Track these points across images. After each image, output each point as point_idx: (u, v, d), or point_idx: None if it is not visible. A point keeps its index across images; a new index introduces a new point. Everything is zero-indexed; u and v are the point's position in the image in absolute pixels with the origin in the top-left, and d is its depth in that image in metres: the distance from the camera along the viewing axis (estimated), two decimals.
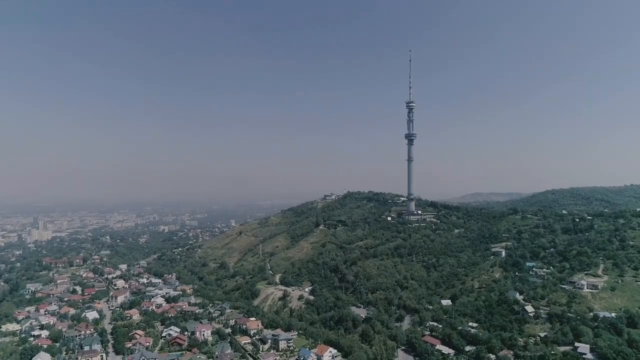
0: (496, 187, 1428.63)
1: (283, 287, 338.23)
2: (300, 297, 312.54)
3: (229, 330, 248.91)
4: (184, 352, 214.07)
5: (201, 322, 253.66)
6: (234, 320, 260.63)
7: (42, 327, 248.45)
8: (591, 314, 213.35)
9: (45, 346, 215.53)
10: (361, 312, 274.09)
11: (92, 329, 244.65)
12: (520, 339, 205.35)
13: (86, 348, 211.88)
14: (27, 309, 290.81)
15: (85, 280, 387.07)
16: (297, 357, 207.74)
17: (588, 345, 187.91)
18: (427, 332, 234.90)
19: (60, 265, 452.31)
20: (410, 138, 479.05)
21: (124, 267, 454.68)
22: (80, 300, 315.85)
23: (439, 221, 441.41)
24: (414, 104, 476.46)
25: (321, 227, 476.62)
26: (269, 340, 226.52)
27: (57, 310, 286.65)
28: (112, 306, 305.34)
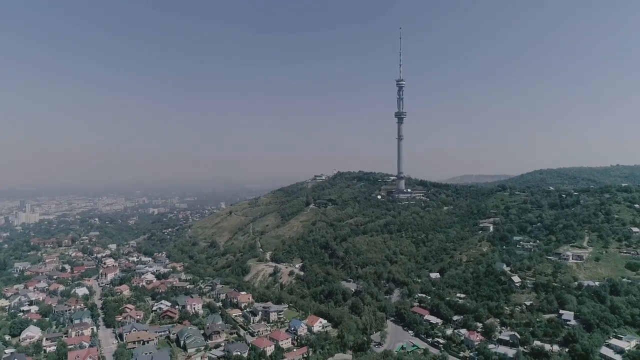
0: (485, 170, 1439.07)
1: (273, 264, 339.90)
2: (291, 273, 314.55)
3: (219, 304, 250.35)
4: (175, 324, 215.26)
5: (192, 297, 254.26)
6: (224, 295, 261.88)
7: (31, 303, 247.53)
8: (576, 283, 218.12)
9: (35, 320, 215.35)
10: (351, 286, 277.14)
11: (82, 304, 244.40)
12: (506, 308, 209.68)
13: (76, 321, 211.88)
14: (15, 286, 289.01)
15: (74, 259, 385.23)
16: (287, 327, 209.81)
17: (572, 312, 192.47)
18: (416, 304, 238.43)
19: (48, 246, 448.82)
20: (400, 116, 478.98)
21: (113, 246, 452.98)
22: (70, 278, 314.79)
23: (428, 199, 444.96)
24: (404, 82, 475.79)
25: (311, 206, 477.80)
26: (260, 312, 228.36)
27: (46, 287, 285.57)
28: (102, 283, 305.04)
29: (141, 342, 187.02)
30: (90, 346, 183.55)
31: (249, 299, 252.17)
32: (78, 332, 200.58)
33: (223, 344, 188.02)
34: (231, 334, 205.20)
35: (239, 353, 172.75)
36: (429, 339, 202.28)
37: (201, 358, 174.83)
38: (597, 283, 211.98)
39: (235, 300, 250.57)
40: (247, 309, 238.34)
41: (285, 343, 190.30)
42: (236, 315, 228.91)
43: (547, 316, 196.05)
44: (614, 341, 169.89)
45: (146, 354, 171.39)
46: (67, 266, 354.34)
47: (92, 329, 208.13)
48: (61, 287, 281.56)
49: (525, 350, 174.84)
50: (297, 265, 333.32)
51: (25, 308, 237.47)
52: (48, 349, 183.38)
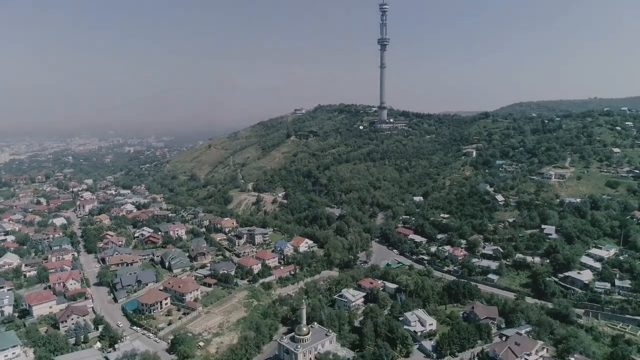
0: (465, 107, 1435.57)
1: (256, 193, 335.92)
2: (274, 201, 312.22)
3: (203, 229, 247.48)
4: (158, 248, 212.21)
5: (174, 223, 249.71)
6: (208, 221, 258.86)
7: (7, 233, 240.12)
8: (558, 200, 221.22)
9: (12, 249, 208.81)
10: (335, 212, 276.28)
11: (60, 233, 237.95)
12: (490, 225, 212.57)
13: (56, 248, 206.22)
14: None
15: (49, 194, 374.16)
16: (273, 248, 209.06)
17: (554, 227, 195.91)
18: (400, 225, 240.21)
19: (21, 182, 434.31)
20: (383, 43, 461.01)
21: (89, 181, 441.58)
22: (46, 210, 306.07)
23: (410, 129, 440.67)
24: (387, 6, 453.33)
25: (292, 138, 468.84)
26: (245, 236, 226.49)
27: (22, 218, 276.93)
28: (80, 214, 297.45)
29: (124, 264, 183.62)
30: (72, 269, 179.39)
31: (233, 224, 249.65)
32: (58, 257, 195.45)
33: (209, 265, 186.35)
34: (217, 255, 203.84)
35: (225, 271, 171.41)
36: (413, 257, 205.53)
37: (187, 277, 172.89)
38: (578, 200, 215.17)
39: (219, 225, 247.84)
40: (232, 233, 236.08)
41: (272, 262, 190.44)
42: (221, 239, 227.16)
43: (529, 231, 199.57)
44: (594, 250, 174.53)
45: (130, 274, 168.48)
46: (42, 200, 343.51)
47: (73, 254, 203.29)
48: (38, 218, 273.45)
49: (507, 263, 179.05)
50: (280, 194, 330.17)
51: (1, 238, 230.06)
52: (28, 274, 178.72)
